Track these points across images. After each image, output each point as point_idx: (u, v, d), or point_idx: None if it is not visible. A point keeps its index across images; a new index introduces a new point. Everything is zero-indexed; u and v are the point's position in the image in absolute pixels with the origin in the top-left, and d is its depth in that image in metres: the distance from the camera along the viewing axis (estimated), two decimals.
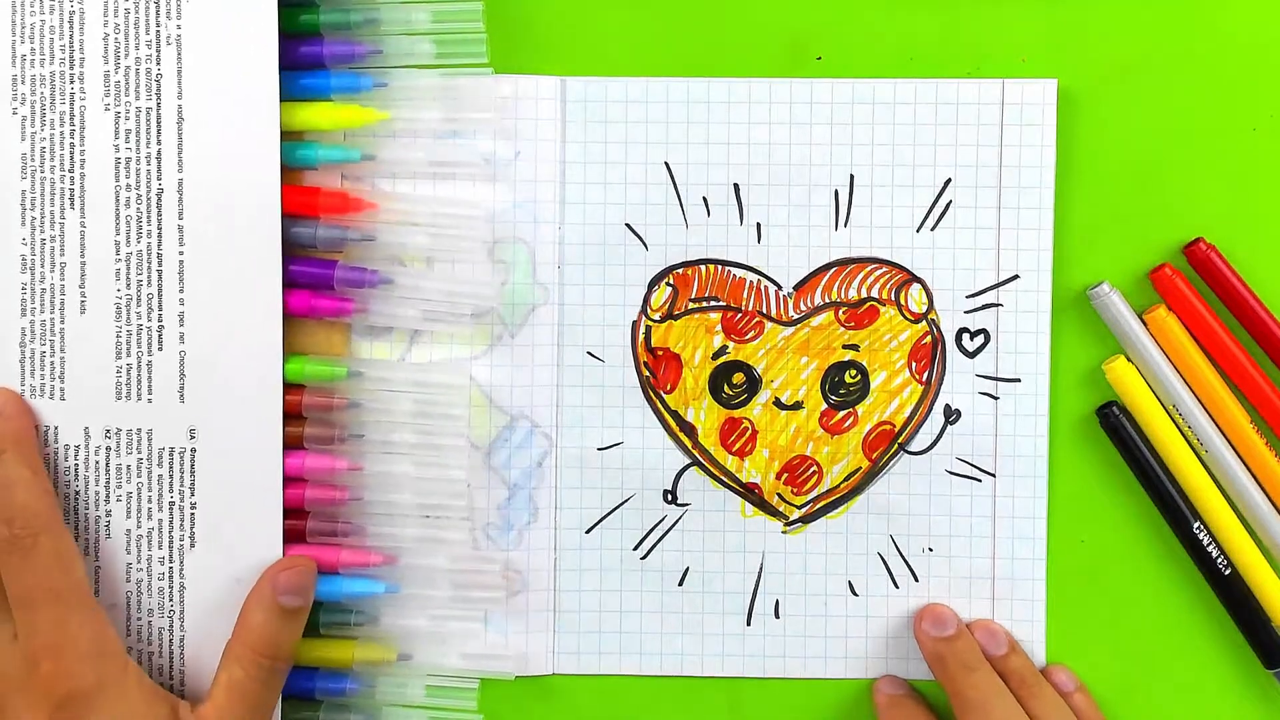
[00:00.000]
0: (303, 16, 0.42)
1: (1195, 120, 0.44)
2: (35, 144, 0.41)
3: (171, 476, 0.41)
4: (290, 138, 0.42)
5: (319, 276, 0.42)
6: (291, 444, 0.42)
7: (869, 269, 0.44)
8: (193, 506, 0.41)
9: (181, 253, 0.41)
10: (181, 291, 0.41)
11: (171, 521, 0.41)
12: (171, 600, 0.42)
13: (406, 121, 0.43)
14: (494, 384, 0.44)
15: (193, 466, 0.41)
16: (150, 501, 0.41)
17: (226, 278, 0.41)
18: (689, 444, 0.44)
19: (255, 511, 0.41)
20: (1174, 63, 0.44)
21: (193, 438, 0.41)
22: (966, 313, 0.44)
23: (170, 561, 0.42)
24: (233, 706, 0.40)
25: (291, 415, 0.42)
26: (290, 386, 0.42)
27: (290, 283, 0.42)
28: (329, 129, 0.42)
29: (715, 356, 0.44)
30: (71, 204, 0.41)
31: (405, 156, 0.43)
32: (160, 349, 0.41)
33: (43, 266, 0.41)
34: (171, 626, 0.42)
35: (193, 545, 0.42)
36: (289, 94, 0.42)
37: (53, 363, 0.41)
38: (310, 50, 0.42)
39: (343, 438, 0.42)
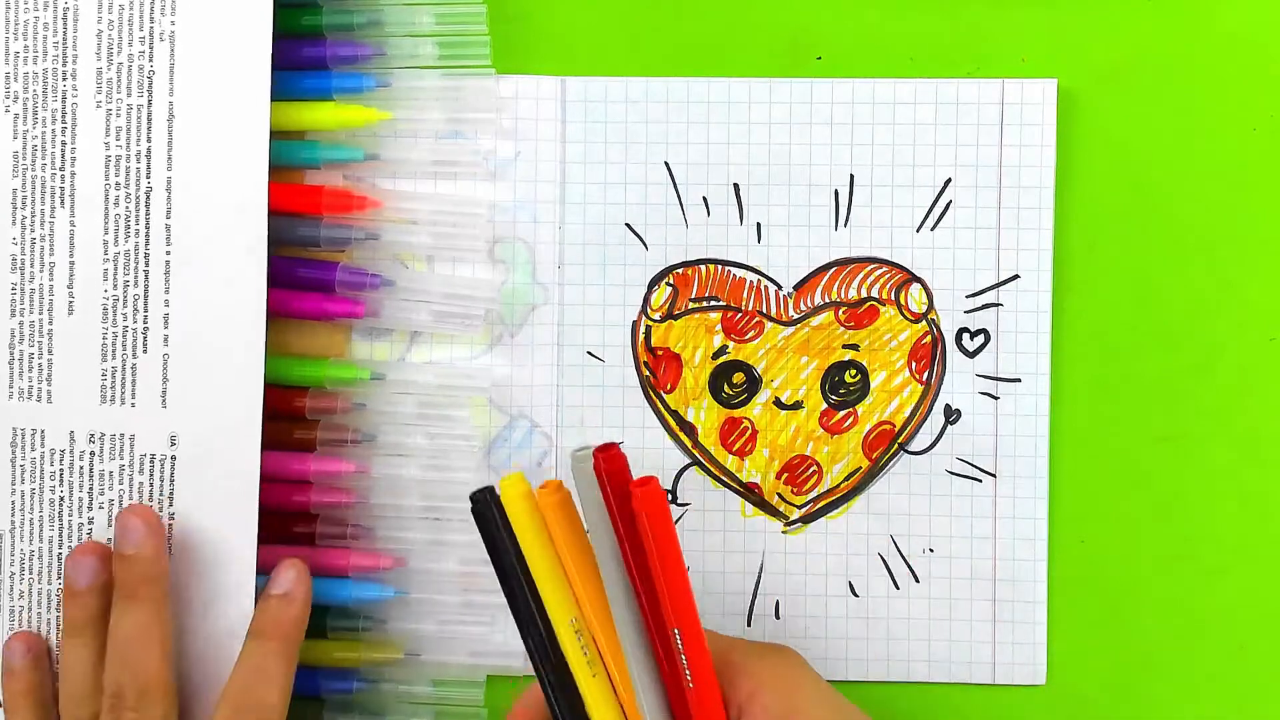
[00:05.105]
0: (306, 18, 0.37)
1: (1195, 120, 0.38)
2: (27, 142, 0.35)
3: (151, 485, 0.35)
4: (293, 137, 0.37)
5: (320, 279, 0.37)
6: (302, 447, 0.37)
7: (869, 269, 0.38)
8: (171, 517, 0.35)
9: (168, 253, 0.35)
10: (167, 293, 0.35)
11: None
12: None
13: (408, 122, 0.38)
14: (494, 384, 0.38)
15: (172, 475, 0.35)
16: None
17: (211, 279, 0.35)
18: (689, 444, 0.39)
19: (230, 526, 0.35)
20: (1174, 63, 0.38)
21: (173, 445, 0.35)
22: (966, 313, 0.38)
23: None
24: None
25: (300, 418, 0.37)
26: (297, 390, 0.37)
27: (294, 284, 0.37)
28: (331, 129, 0.37)
29: (715, 356, 0.39)
30: (61, 203, 0.35)
31: (407, 156, 0.38)
32: (145, 351, 0.35)
33: (32, 266, 0.35)
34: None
35: (169, 556, 0.35)
36: (292, 94, 0.37)
37: (40, 365, 0.35)
38: (313, 51, 0.37)
39: (355, 440, 0.37)
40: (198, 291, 0.35)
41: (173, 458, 0.35)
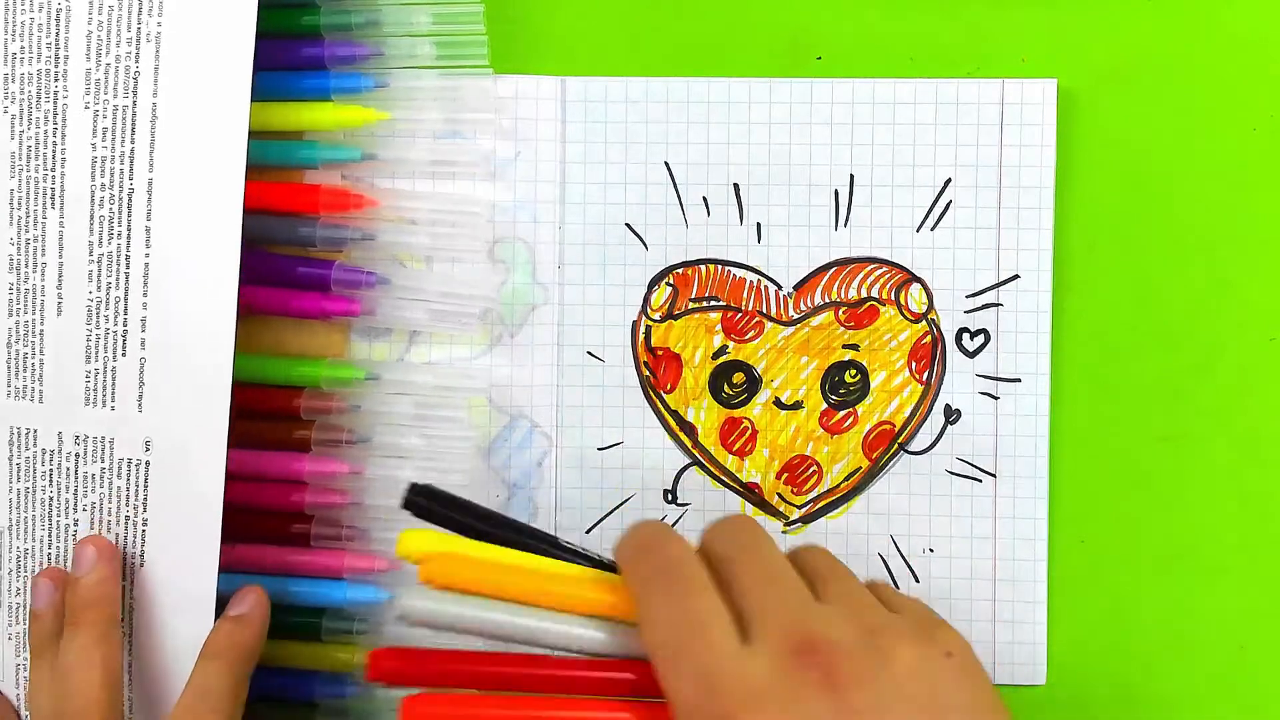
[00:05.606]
0: (304, 18, 0.36)
1: (1195, 120, 0.37)
2: (23, 143, 0.34)
3: (129, 489, 0.34)
4: (291, 138, 0.36)
5: (318, 277, 0.36)
6: (298, 447, 0.36)
7: (869, 269, 0.37)
8: (144, 523, 0.34)
9: (147, 255, 0.34)
10: (145, 295, 0.34)
11: (127, 537, 0.34)
12: (123, 622, 0.34)
13: (407, 122, 0.37)
14: (494, 384, 0.37)
15: (146, 480, 0.34)
16: (110, 514, 0.34)
17: (184, 283, 0.34)
18: (689, 444, 0.38)
19: (192, 538, 0.34)
20: (1174, 63, 0.37)
21: (148, 450, 0.34)
22: (966, 313, 0.37)
23: (123, 580, 0.34)
24: None
25: (296, 418, 0.36)
26: (293, 390, 0.36)
27: (292, 283, 0.36)
28: (330, 129, 0.36)
29: (715, 356, 0.38)
30: (52, 204, 0.34)
31: (406, 155, 0.37)
32: (124, 354, 0.34)
33: (27, 267, 0.34)
34: (122, 651, 0.34)
35: (142, 565, 0.34)
36: (290, 94, 0.36)
37: (34, 364, 0.34)
38: (312, 51, 0.36)
39: (351, 440, 0.36)
40: (172, 295, 0.34)
41: (147, 463, 0.34)
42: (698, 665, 0.25)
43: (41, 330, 0.34)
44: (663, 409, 0.38)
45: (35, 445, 0.34)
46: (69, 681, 0.32)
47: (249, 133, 0.36)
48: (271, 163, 0.36)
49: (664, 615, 0.26)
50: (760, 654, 0.25)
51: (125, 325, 0.33)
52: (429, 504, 0.29)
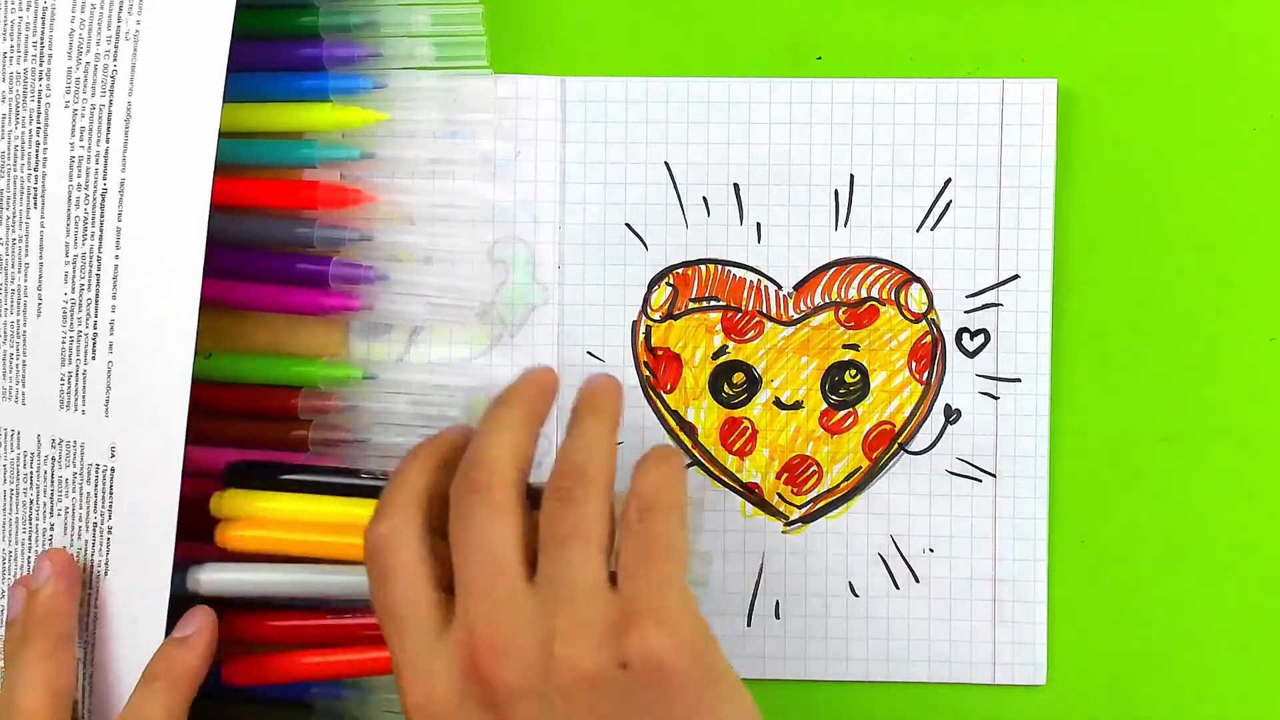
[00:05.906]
0: (303, 19, 0.35)
1: (1195, 120, 0.36)
2: (10, 142, 0.33)
3: (97, 495, 0.33)
4: (290, 139, 0.35)
5: (316, 273, 0.35)
6: (296, 447, 0.35)
7: (869, 269, 0.37)
8: (109, 530, 0.33)
9: (117, 257, 0.32)
10: (114, 298, 0.32)
11: (94, 544, 0.33)
12: (86, 630, 0.33)
13: (405, 123, 0.36)
14: (494, 384, 0.36)
15: (111, 487, 0.32)
16: (80, 520, 0.33)
17: (150, 286, 0.32)
18: (689, 444, 0.37)
19: (149, 546, 0.32)
20: (1174, 63, 0.36)
21: (113, 456, 0.32)
22: (966, 313, 0.37)
23: (89, 587, 0.33)
24: None
25: (294, 418, 0.35)
26: (291, 389, 0.35)
27: (289, 280, 0.35)
28: (328, 130, 0.35)
29: (715, 356, 0.37)
30: (35, 204, 0.32)
31: (405, 155, 0.36)
32: (94, 358, 0.32)
33: (12, 267, 0.33)
34: (85, 659, 0.33)
35: (106, 573, 0.33)
36: (288, 95, 0.35)
37: (18, 365, 0.33)
38: (310, 52, 0.35)
39: (349, 440, 0.35)
40: (138, 299, 0.32)
41: (112, 469, 0.32)
42: (394, 658, 0.27)
43: (25, 331, 0.33)
44: (663, 409, 0.37)
45: (19, 448, 0.33)
46: (12, 698, 0.31)
47: (248, 133, 0.35)
48: (269, 162, 0.35)
49: (374, 603, 0.27)
50: (450, 653, 0.26)
51: (95, 328, 0.32)
52: (246, 473, 0.33)
